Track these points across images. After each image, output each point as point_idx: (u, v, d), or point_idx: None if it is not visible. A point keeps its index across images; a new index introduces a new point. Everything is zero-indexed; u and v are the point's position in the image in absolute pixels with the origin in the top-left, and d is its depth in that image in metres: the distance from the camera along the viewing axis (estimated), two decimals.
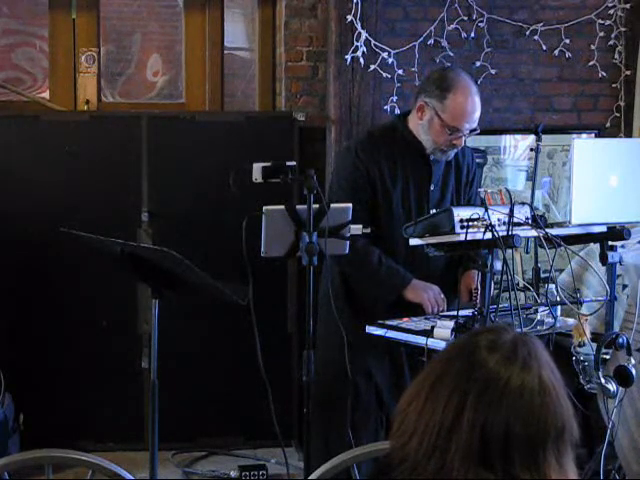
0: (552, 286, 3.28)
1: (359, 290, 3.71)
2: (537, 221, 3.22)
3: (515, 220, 3.16)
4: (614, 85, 5.17)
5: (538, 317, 3.32)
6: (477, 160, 4.70)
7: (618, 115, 5.17)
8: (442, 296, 3.60)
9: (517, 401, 1.43)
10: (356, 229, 3.34)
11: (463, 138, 3.62)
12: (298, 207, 3.20)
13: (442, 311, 3.58)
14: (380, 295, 3.64)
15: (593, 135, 5.13)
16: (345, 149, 3.87)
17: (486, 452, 1.41)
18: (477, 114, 3.61)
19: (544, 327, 3.29)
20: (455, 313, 3.19)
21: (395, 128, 3.77)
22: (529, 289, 3.31)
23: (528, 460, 1.42)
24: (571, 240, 3.34)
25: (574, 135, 5.11)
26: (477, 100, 3.62)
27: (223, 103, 5.17)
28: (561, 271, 4.10)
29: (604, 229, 3.38)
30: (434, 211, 3.41)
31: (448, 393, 1.45)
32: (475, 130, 3.63)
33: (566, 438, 1.45)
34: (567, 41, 5.08)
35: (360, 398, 3.70)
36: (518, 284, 3.21)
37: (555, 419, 1.44)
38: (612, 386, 3.10)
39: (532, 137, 4.10)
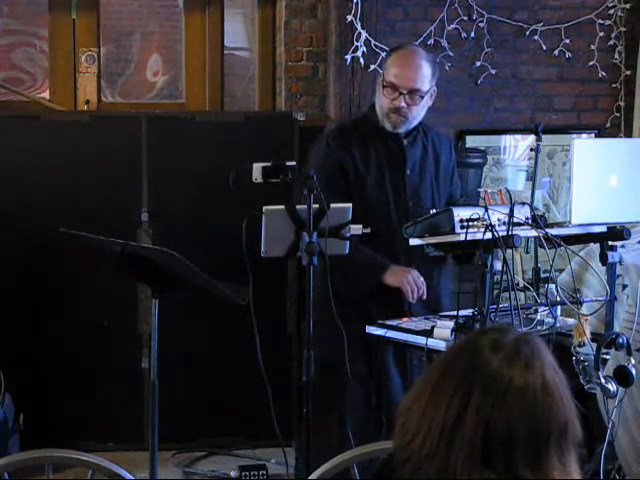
0: (552, 286, 3.28)
1: (337, 282, 3.60)
2: (537, 221, 3.22)
3: (515, 220, 3.16)
4: (614, 85, 5.17)
5: (538, 317, 3.32)
6: (477, 160, 4.72)
7: (618, 115, 5.17)
8: (421, 279, 3.56)
9: (520, 401, 1.43)
10: (356, 229, 3.34)
11: (402, 98, 3.59)
12: (298, 207, 3.19)
13: (422, 295, 3.56)
14: (359, 283, 3.58)
15: (593, 135, 5.14)
16: (317, 142, 3.82)
17: (489, 452, 1.42)
18: (417, 75, 3.59)
19: (544, 327, 3.29)
20: (455, 313, 3.19)
21: (366, 117, 3.78)
22: (529, 289, 3.31)
23: (531, 459, 1.42)
24: (571, 240, 3.34)
25: (574, 135, 5.11)
26: (419, 62, 3.61)
27: (223, 103, 5.17)
28: (561, 271, 4.10)
29: (604, 229, 3.38)
30: (414, 202, 3.39)
31: (451, 393, 1.45)
32: (418, 91, 3.59)
33: (569, 437, 1.46)
34: (567, 41, 5.08)
35: (351, 397, 3.65)
36: (518, 284, 3.21)
37: (558, 418, 1.44)
38: (612, 386, 3.09)
39: (532, 137, 4.09)
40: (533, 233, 3.22)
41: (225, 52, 5.17)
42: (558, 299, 3.29)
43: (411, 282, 3.54)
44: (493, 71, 5.02)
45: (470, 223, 3.14)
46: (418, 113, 3.66)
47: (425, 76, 3.61)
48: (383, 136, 3.69)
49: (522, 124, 5.09)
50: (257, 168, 3.19)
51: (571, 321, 3.36)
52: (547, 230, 3.21)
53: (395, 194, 3.66)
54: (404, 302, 3.58)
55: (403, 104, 3.59)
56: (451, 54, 4.95)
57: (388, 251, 3.60)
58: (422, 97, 3.61)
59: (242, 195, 3.32)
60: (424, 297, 3.57)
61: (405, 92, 3.58)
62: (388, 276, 3.56)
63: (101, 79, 5.08)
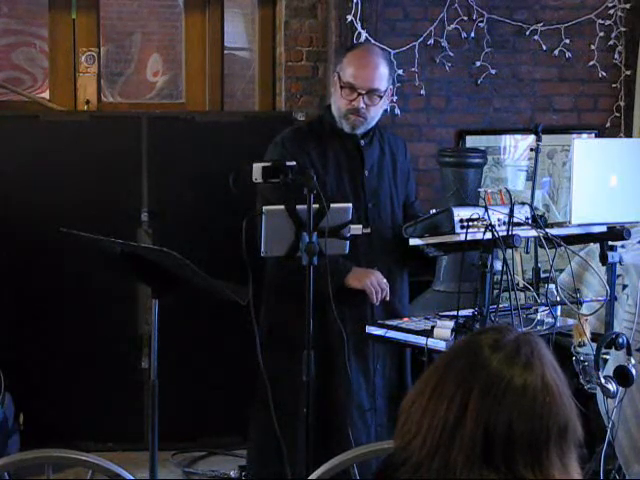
0: (552, 286, 3.28)
1: (298, 286, 3.36)
2: (537, 221, 3.22)
3: (515, 220, 3.16)
4: (614, 85, 5.17)
5: (538, 317, 3.32)
6: (477, 160, 4.72)
7: (618, 115, 5.17)
8: (384, 281, 3.51)
9: (520, 400, 1.43)
10: (356, 229, 3.34)
11: (361, 99, 3.52)
12: (298, 207, 3.19)
13: (386, 296, 3.52)
14: (322, 286, 3.30)
15: (593, 135, 5.14)
16: (272, 144, 3.73)
17: (489, 451, 1.42)
18: (375, 75, 3.53)
19: (544, 327, 3.29)
20: (455, 313, 3.18)
21: (322, 118, 3.72)
22: (529, 289, 3.31)
23: (531, 459, 1.42)
24: (571, 240, 3.34)
25: (574, 135, 5.12)
26: (377, 61, 3.55)
27: (223, 103, 5.17)
28: (561, 271, 4.10)
29: (604, 229, 3.38)
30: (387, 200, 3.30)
31: (451, 392, 1.45)
32: (376, 91, 3.53)
33: (569, 437, 1.46)
34: (567, 41, 5.09)
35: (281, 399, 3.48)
36: (518, 284, 3.21)
37: (558, 418, 1.44)
38: (612, 386, 3.09)
39: (532, 137, 4.09)
40: (533, 233, 3.22)
41: (225, 52, 5.17)
42: (558, 299, 3.29)
43: (375, 284, 3.48)
44: (493, 71, 5.02)
45: (470, 223, 3.14)
46: (377, 113, 3.61)
47: (383, 75, 3.56)
48: (340, 137, 3.62)
49: (522, 124, 5.09)
50: (257, 168, 3.19)
51: (571, 321, 3.36)
52: (547, 230, 3.21)
53: (354, 195, 3.59)
54: (366, 304, 3.54)
55: (362, 105, 3.53)
56: (451, 54, 4.95)
57: (349, 253, 3.44)
58: (381, 97, 3.56)
59: (242, 195, 3.31)
60: (387, 298, 3.53)
61: (364, 92, 3.52)
62: (351, 278, 3.49)
63: (101, 79, 5.08)
